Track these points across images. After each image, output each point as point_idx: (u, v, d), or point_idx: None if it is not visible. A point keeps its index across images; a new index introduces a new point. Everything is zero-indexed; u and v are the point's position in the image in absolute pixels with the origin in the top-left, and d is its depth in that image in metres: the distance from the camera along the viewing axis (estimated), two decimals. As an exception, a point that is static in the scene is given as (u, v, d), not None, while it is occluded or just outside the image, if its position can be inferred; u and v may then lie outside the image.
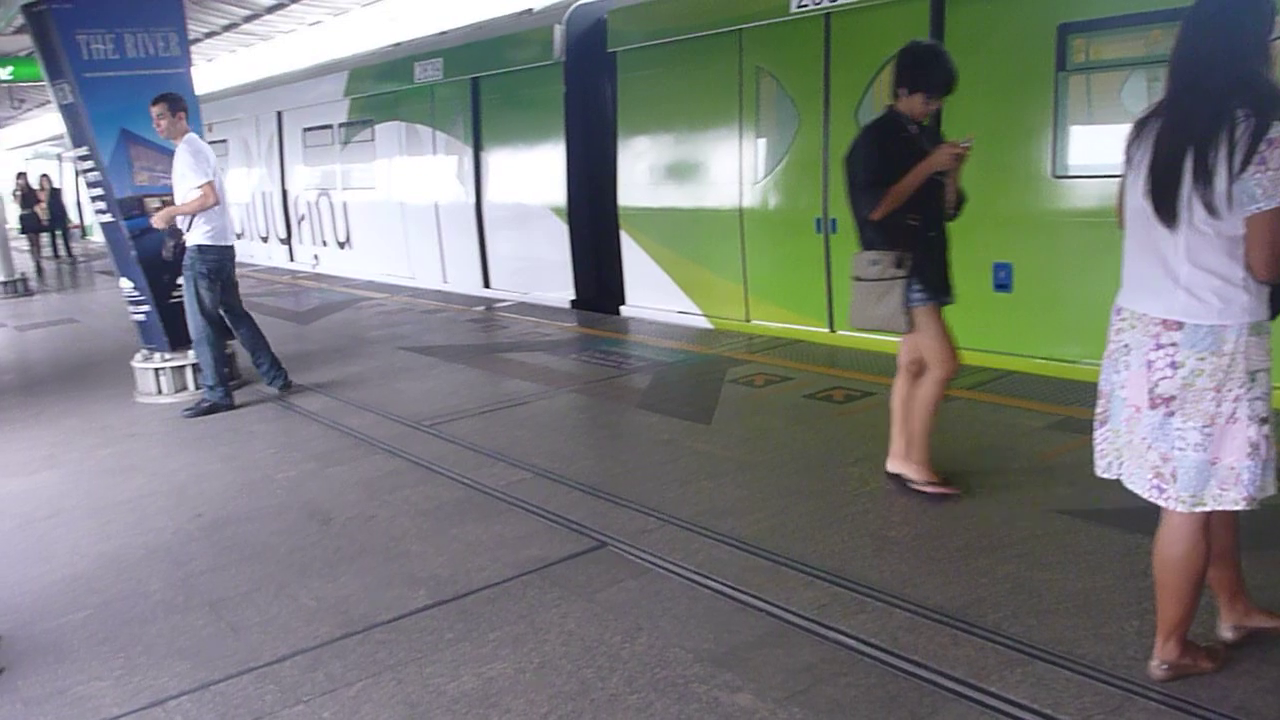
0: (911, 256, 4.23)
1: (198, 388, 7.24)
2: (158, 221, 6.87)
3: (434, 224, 12.30)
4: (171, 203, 6.94)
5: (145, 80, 7.09)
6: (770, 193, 8.16)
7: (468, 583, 3.94)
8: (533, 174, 10.63)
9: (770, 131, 8.13)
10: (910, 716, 2.86)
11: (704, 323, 8.85)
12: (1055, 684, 2.95)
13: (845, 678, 3.08)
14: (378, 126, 13.17)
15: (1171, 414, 2.71)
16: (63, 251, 22.00)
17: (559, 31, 9.85)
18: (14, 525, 5.00)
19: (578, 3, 9.96)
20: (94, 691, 3.34)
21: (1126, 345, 2.81)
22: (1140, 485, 2.84)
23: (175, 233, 6.98)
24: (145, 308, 7.48)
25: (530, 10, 11.27)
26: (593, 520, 4.49)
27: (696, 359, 7.59)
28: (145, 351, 7.61)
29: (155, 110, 6.69)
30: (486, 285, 11.65)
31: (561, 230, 10.25)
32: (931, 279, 4.31)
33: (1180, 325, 2.66)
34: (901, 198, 4.16)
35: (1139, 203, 2.75)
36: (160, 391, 7.44)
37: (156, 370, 7.45)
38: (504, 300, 11.08)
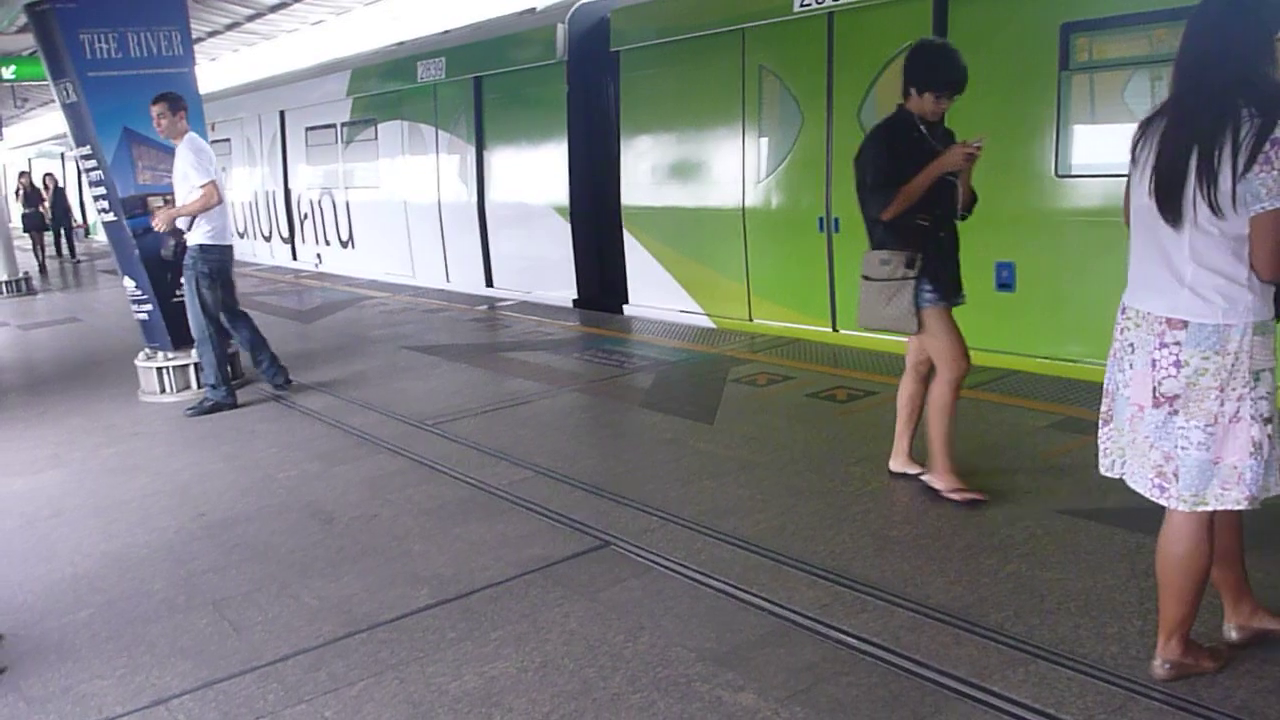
0: (922, 257, 4.21)
1: (200, 387, 7.24)
2: (159, 224, 6.87)
3: (437, 223, 12.31)
4: (173, 202, 6.95)
5: (148, 79, 7.09)
6: (773, 192, 8.16)
7: (470, 582, 3.94)
8: (535, 173, 10.63)
9: (773, 131, 8.13)
10: (912, 716, 2.86)
11: (706, 322, 8.85)
12: (1058, 683, 2.95)
13: (847, 677, 3.08)
14: (380, 126, 13.18)
15: (1175, 413, 2.70)
16: (65, 250, 22.00)
17: (562, 31, 9.85)
18: (18, 524, 5.01)
19: (580, 2, 9.95)
20: (97, 690, 3.35)
21: (1131, 344, 2.80)
22: (1142, 484, 2.83)
23: (176, 232, 6.98)
24: (148, 307, 7.49)
25: (533, 9, 11.27)
26: (595, 519, 4.49)
27: (699, 358, 7.59)
28: (148, 350, 7.62)
29: (155, 110, 6.70)
30: (489, 284, 11.65)
31: (564, 229, 10.25)
32: (943, 280, 4.29)
33: (1185, 324, 2.66)
34: (912, 198, 4.13)
35: (1144, 202, 2.75)
36: (163, 390, 7.45)
37: (160, 369, 7.45)
38: (507, 299, 11.08)
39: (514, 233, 11.21)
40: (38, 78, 13.85)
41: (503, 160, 11.20)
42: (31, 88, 18.76)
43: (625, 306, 9.77)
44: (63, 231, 21.84)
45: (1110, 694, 2.88)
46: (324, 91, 14.40)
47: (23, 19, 9.88)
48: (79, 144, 7.52)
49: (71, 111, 7.37)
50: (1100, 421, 2.98)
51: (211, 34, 15.69)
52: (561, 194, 10.20)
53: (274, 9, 14.14)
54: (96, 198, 7.62)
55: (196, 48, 9.25)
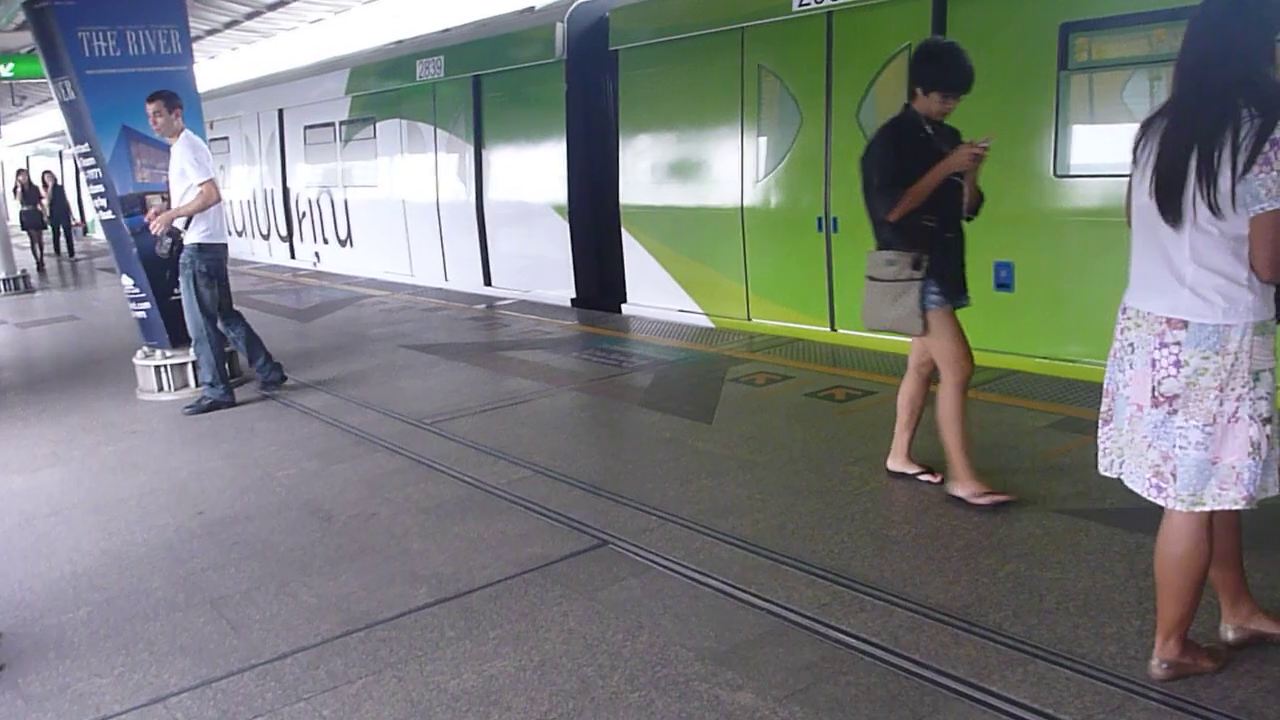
0: (929, 258, 4.19)
1: (198, 385, 7.23)
2: (156, 227, 6.83)
3: (435, 222, 12.30)
4: (169, 200, 6.94)
5: (147, 77, 7.08)
6: (772, 191, 8.16)
7: (469, 581, 3.94)
8: (534, 172, 10.63)
9: (772, 130, 8.13)
10: (911, 715, 2.86)
11: (705, 321, 8.85)
12: (1056, 683, 2.95)
13: (846, 676, 3.08)
14: (379, 124, 13.17)
15: (1174, 412, 2.71)
16: (64, 249, 21.97)
17: (561, 30, 9.85)
18: (16, 522, 5.00)
19: (579, 1, 9.95)
20: (95, 688, 3.34)
21: (1131, 344, 2.81)
22: (1139, 484, 2.84)
23: (172, 231, 6.97)
24: (146, 305, 7.48)
25: (532, 8, 11.28)
26: (594, 518, 4.49)
27: (698, 357, 7.59)
28: (146, 349, 7.62)
29: (151, 107, 6.68)
30: (487, 283, 11.65)
31: (563, 228, 10.25)
32: (949, 281, 4.27)
33: (1185, 324, 2.67)
34: (919, 198, 4.12)
35: (1145, 202, 2.75)
36: (162, 389, 7.44)
37: (158, 367, 7.45)
38: (505, 298, 11.08)
39: (512, 232, 11.20)
40: (36, 75, 13.84)
41: (501, 159, 11.20)
42: (30, 85, 18.73)
43: (624, 306, 9.77)
44: (61, 229, 21.80)
45: (1109, 694, 2.88)
46: (322, 90, 14.39)
47: (21, 16, 9.86)
48: (77, 142, 7.51)
49: (70, 109, 7.36)
50: (1100, 421, 2.98)
51: (210, 32, 15.67)
52: (560, 193, 10.20)
53: (273, 7, 14.12)
54: (95, 196, 7.61)
55: (195, 46, 9.25)
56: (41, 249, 20.46)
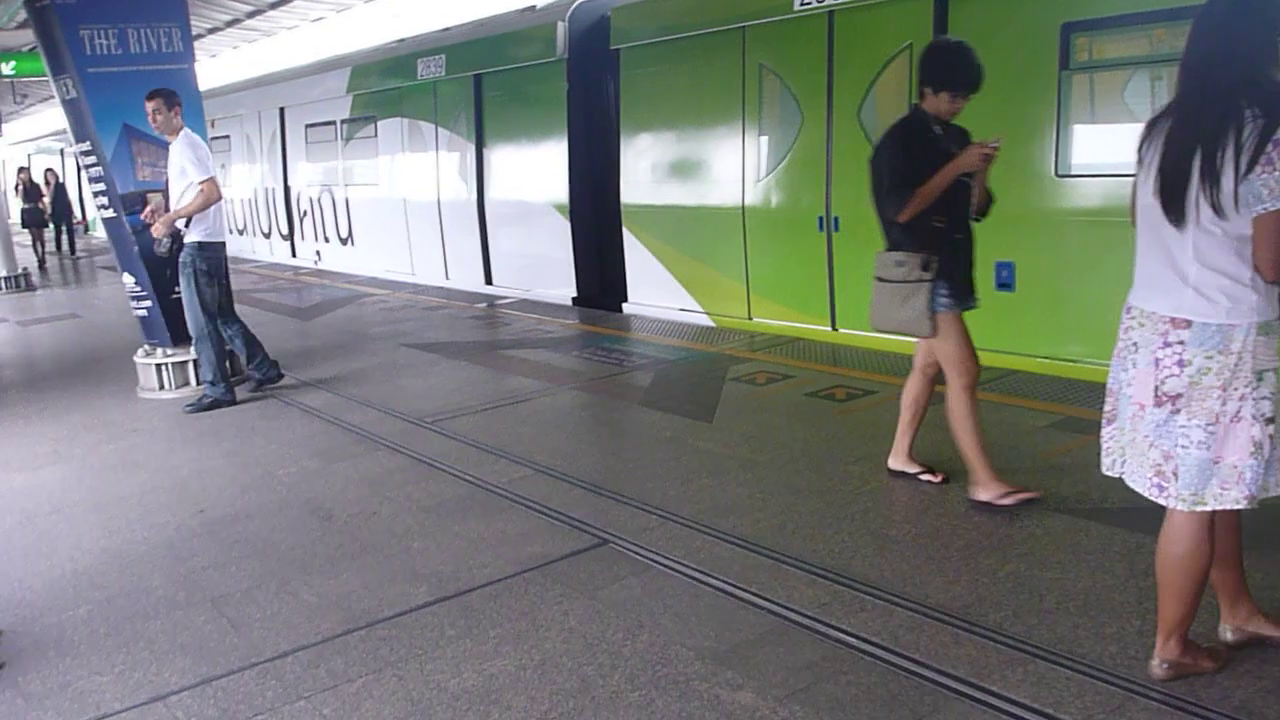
0: (938, 259, 4.17)
1: (199, 383, 7.23)
2: (159, 229, 6.79)
3: (436, 221, 12.30)
4: (168, 197, 6.93)
5: (148, 75, 7.08)
6: (773, 191, 8.16)
7: (470, 579, 3.95)
8: (535, 171, 10.63)
9: (773, 129, 8.13)
10: (911, 715, 2.86)
11: (706, 320, 8.85)
12: (1056, 683, 2.95)
13: (846, 676, 3.08)
14: (380, 123, 13.17)
15: (1177, 411, 2.71)
16: (65, 247, 21.96)
17: (562, 28, 9.84)
18: (17, 520, 5.01)
19: (580, 0, 9.95)
20: (96, 686, 3.35)
21: (1135, 343, 2.81)
22: (1141, 483, 2.84)
23: (173, 230, 6.95)
24: (147, 303, 7.48)
25: (533, 7, 11.27)
26: (594, 517, 4.49)
27: (698, 357, 7.59)
28: (147, 347, 7.62)
29: (150, 105, 6.66)
30: (488, 282, 11.65)
31: (564, 227, 10.25)
32: (958, 283, 4.25)
33: (1188, 324, 2.67)
34: (928, 199, 4.10)
35: (1149, 202, 2.76)
36: (163, 387, 7.45)
37: (159, 366, 7.45)
38: (506, 297, 11.08)
39: (513, 230, 11.20)
40: (37, 73, 13.83)
41: (502, 158, 11.20)
42: (31, 83, 18.73)
43: (625, 305, 9.77)
44: (63, 228, 21.80)
45: (1109, 694, 2.88)
46: (324, 88, 14.39)
47: (23, 14, 9.86)
48: (79, 140, 7.51)
49: (71, 107, 7.36)
50: (1104, 420, 2.98)
51: (212, 30, 15.67)
52: (561, 192, 10.20)
53: (274, 6, 14.12)
54: (96, 194, 7.61)
55: (196, 44, 9.25)
56: (43, 247, 20.46)
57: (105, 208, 7.52)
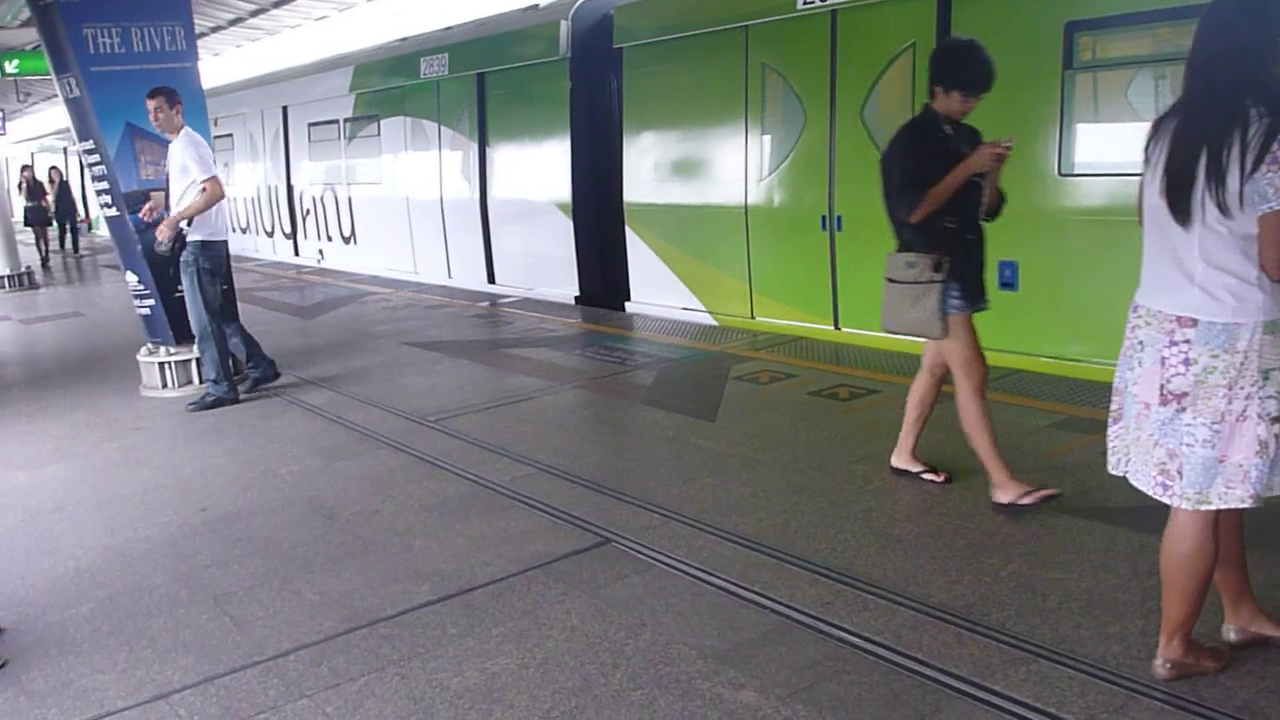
0: (950, 260, 4.15)
1: (202, 382, 7.24)
2: (164, 232, 6.72)
3: (439, 219, 12.31)
4: (168, 196, 6.91)
5: (152, 74, 7.08)
6: (775, 190, 8.16)
7: (472, 578, 3.95)
8: (538, 170, 10.63)
9: (776, 128, 8.12)
10: (914, 714, 2.86)
11: (708, 319, 8.85)
12: (1059, 683, 2.95)
13: (849, 675, 3.08)
14: (383, 122, 13.17)
15: (1182, 410, 2.70)
16: (69, 245, 21.96)
17: (565, 27, 9.84)
18: (20, 518, 5.01)
19: (583, -1, 9.97)
20: (98, 684, 3.35)
21: (1141, 342, 2.80)
22: (1145, 482, 2.83)
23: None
24: (150, 302, 7.49)
25: (536, 6, 11.27)
26: (597, 516, 4.49)
27: (701, 355, 7.59)
28: (151, 345, 7.62)
29: (152, 103, 6.65)
30: (491, 281, 11.65)
31: (566, 226, 10.25)
32: (969, 284, 4.22)
33: (1194, 322, 2.66)
34: (940, 199, 4.07)
35: (1155, 201, 2.75)
36: (165, 385, 7.45)
37: (162, 364, 7.45)
38: (509, 296, 11.08)
39: (516, 229, 11.20)
40: (41, 72, 13.85)
41: (505, 157, 11.20)
42: (34, 82, 18.76)
43: (627, 303, 9.77)
44: (68, 226, 21.80)
45: (1112, 693, 2.88)
46: (327, 87, 14.40)
47: (26, 13, 9.87)
48: (82, 139, 7.52)
49: (75, 106, 7.36)
50: (1110, 420, 2.98)
51: (215, 29, 15.69)
52: (564, 191, 10.20)
53: (277, 4, 14.14)
54: (99, 192, 7.62)
55: (199, 43, 9.25)
56: (47, 245, 20.44)
57: (108, 206, 7.52)
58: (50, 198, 20.85)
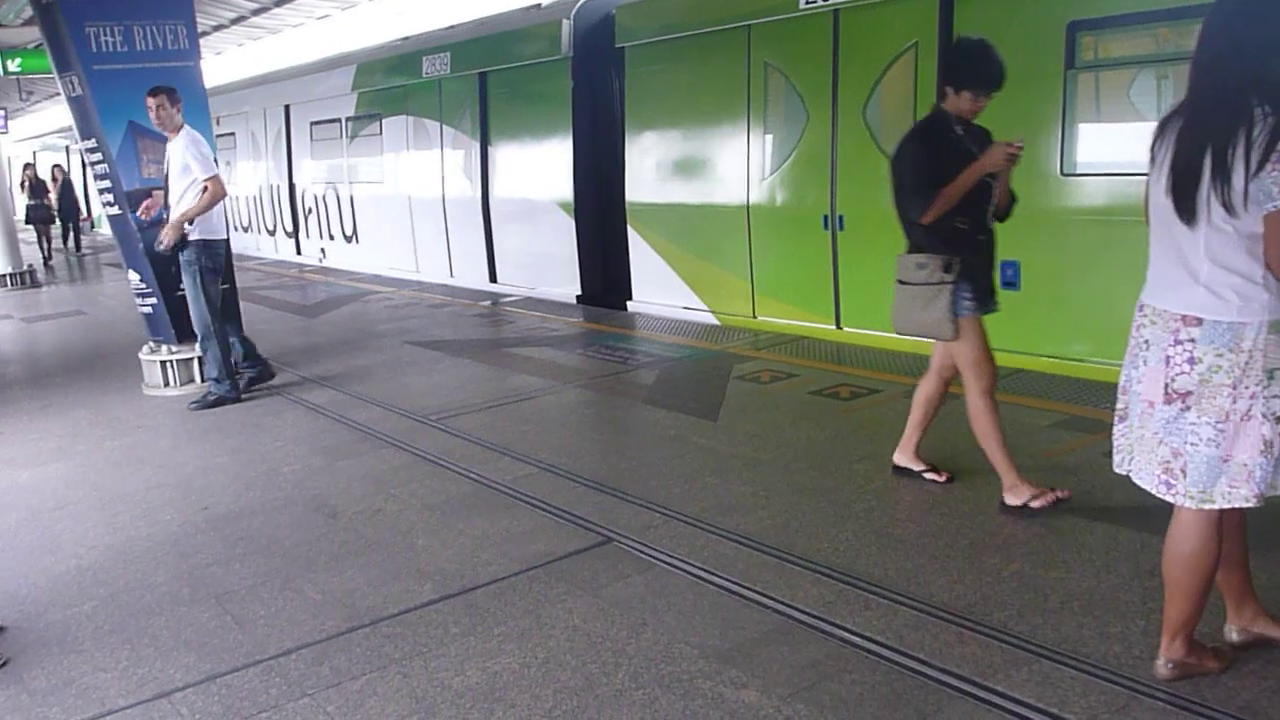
0: (960, 261, 4.12)
1: (205, 380, 7.24)
2: (169, 236, 6.67)
3: (441, 218, 12.31)
4: (167, 195, 6.89)
5: (154, 73, 7.09)
6: (778, 189, 8.15)
7: (474, 577, 3.95)
8: (540, 169, 10.63)
9: (778, 128, 8.12)
10: (915, 714, 2.86)
11: (710, 319, 8.85)
12: (1061, 683, 2.94)
13: (850, 675, 3.08)
14: (385, 121, 13.17)
15: (1187, 409, 2.70)
16: (71, 244, 21.95)
17: (567, 27, 9.84)
18: (22, 517, 5.01)
19: (585, -2, 9.96)
20: (100, 683, 3.35)
21: (1146, 341, 2.80)
22: (1148, 481, 2.83)
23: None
24: (152, 300, 7.49)
25: (538, 5, 11.27)
26: (599, 515, 4.49)
27: (703, 355, 7.59)
28: (152, 344, 7.63)
29: (155, 101, 6.63)
30: (493, 280, 11.65)
31: (568, 225, 10.24)
32: (980, 285, 4.20)
33: (1199, 321, 2.66)
34: (952, 200, 4.04)
35: (1161, 200, 2.75)
36: (167, 384, 7.46)
37: (164, 363, 7.46)
38: (510, 295, 11.08)
39: (518, 228, 11.20)
40: (43, 70, 13.87)
41: (507, 156, 11.20)
42: (37, 80, 18.76)
43: (629, 303, 9.77)
44: (70, 224, 21.78)
45: (1113, 694, 2.88)
46: (329, 86, 14.40)
47: (29, 11, 9.88)
48: (84, 137, 7.52)
49: (77, 105, 7.37)
50: (1116, 418, 2.97)
51: (217, 28, 15.68)
52: (566, 190, 10.20)
53: (280, 3, 14.13)
54: (101, 191, 7.62)
55: (201, 42, 9.24)
56: (49, 243, 20.42)
57: (111, 205, 7.53)
58: (53, 196, 20.85)
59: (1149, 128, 2.86)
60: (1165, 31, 5.73)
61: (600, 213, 10.14)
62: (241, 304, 7.97)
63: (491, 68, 11.13)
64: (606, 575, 3.88)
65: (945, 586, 3.60)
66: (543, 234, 10.69)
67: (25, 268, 15.91)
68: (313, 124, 15.00)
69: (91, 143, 7.40)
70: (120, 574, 4.22)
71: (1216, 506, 2.73)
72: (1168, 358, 2.72)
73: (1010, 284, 6.45)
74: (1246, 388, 2.63)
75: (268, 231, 17.22)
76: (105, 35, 7.15)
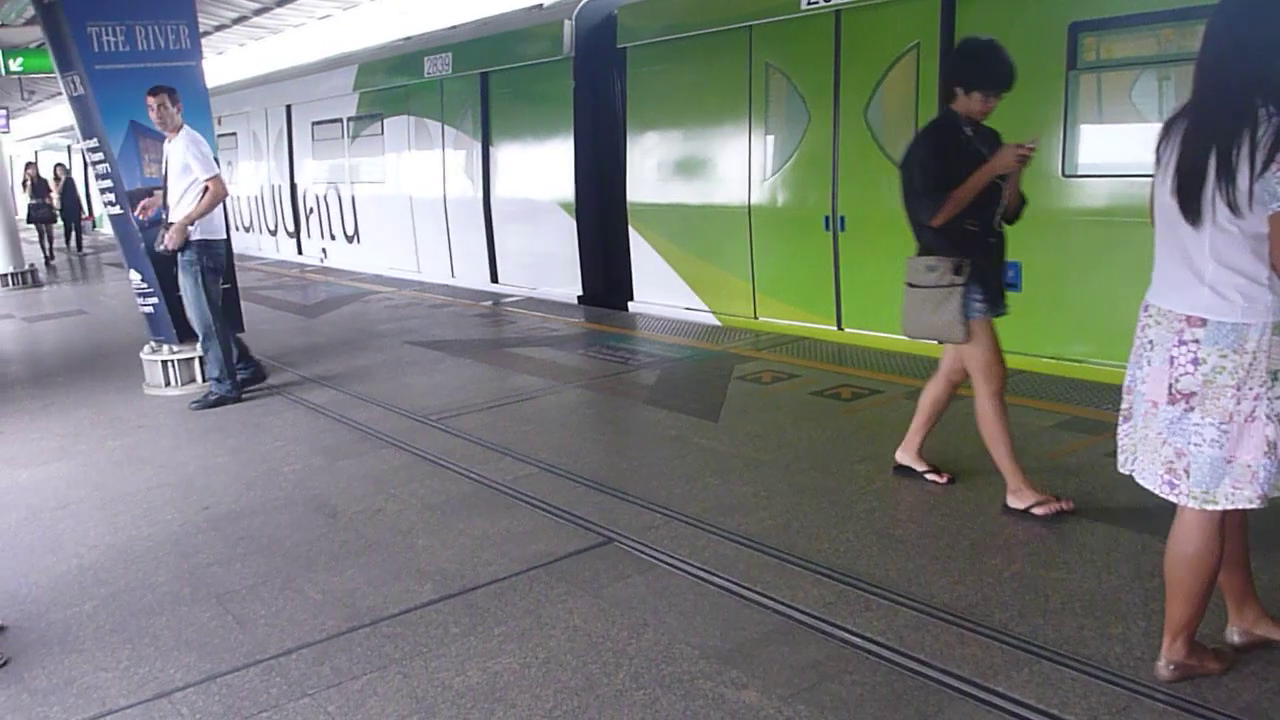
0: (970, 263, 4.09)
1: (205, 380, 7.24)
2: (174, 240, 6.66)
3: (442, 218, 12.31)
4: (166, 195, 6.88)
5: (156, 73, 7.09)
6: (779, 190, 8.15)
7: (474, 577, 3.95)
8: (541, 169, 10.63)
9: (779, 128, 8.12)
10: (916, 715, 2.86)
11: (711, 319, 8.85)
12: (1061, 684, 2.94)
13: (851, 675, 3.07)
14: (386, 121, 13.18)
15: (1190, 409, 2.70)
16: (73, 243, 21.95)
17: (569, 27, 9.84)
18: (23, 516, 5.01)
19: (586, -2, 9.96)
20: (101, 682, 3.35)
21: (1151, 341, 2.80)
22: (1152, 480, 2.83)
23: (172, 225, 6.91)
24: (154, 300, 7.49)
25: (540, 5, 11.27)
26: (599, 516, 4.49)
27: (704, 355, 7.59)
28: (154, 343, 7.63)
29: (156, 100, 6.62)
30: (494, 280, 11.65)
31: (569, 226, 10.24)
32: (991, 287, 4.17)
33: (1204, 322, 2.66)
34: (963, 203, 4.01)
35: (1167, 201, 2.75)
36: (168, 384, 7.46)
37: (165, 362, 7.46)
38: (511, 295, 11.08)
39: (519, 229, 11.20)
40: (45, 70, 13.88)
41: (509, 156, 11.20)
42: (39, 80, 18.78)
43: (630, 303, 9.77)
44: (72, 224, 21.77)
45: (1114, 695, 2.87)
46: (330, 86, 14.40)
47: (30, 11, 9.89)
48: (86, 137, 7.53)
49: (79, 104, 7.37)
50: (1120, 418, 2.97)
51: (219, 28, 15.71)
52: (567, 190, 10.20)
53: (281, 3, 14.15)
54: (103, 190, 7.63)
55: (203, 42, 9.26)
56: (51, 243, 20.42)
57: (112, 204, 7.53)
58: (55, 195, 20.85)
59: (1150, 129, 2.87)
60: (1167, 33, 5.72)
61: (602, 213, 10.14)
62: (242, 304, 7.97)
63: (493, 68, 11.13)
64: (607, 575, 3.88)
65: (946, 587, 3.60)
66: (544, 234, 10.69)
67: (27, 267, 15.92)
68: (314, 124, 15.00)
69: (93, 142, 7.40)
70: (121, 573, 4.22)
71: (1220, 507, 2.72)
72: (1172, 358, 2.72)
73: (1011, 285, 6.43)
74: (1250, 389, 2.63)
75: (269, 231, 17.23)
76: (107, 35, 7.15)
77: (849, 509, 4.38)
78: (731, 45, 8.32)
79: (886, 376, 6.49)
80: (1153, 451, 2.81)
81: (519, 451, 5.47)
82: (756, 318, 8.45)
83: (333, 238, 15.12)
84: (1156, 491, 2.82)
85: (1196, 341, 2.67)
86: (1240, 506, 2.71)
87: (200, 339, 6.98)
